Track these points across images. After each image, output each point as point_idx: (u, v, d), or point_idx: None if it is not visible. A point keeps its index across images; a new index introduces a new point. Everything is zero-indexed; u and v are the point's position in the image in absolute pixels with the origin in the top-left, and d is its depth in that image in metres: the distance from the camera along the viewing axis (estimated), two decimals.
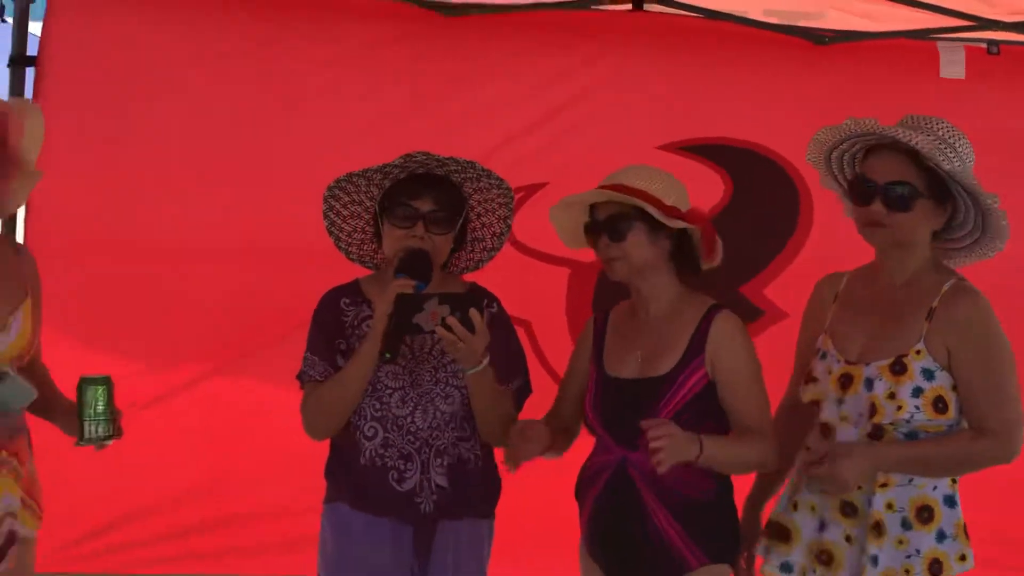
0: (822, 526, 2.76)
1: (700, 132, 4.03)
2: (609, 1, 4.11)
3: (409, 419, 2.87)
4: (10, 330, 2.74)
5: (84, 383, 2.74)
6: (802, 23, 4.21)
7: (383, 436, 2.86)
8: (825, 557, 2.73)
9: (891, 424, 2.67)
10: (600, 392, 2.89)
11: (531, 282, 3.83)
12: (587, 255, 3.84)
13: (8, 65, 3.72)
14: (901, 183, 2.67)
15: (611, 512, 2.82)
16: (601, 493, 2.85)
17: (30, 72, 3.71)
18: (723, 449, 2.78)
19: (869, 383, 2.70)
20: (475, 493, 2.94)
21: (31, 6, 3.77)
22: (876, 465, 2.67)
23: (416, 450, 2.87)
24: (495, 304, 2.98)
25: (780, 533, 2.82)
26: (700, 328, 2.84)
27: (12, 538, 2.77)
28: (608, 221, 2.84)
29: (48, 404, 2.87)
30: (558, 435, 2.97)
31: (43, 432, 3.63)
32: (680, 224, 2.81)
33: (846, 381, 2.74)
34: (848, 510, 2.72)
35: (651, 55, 4.05)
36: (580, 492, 2.94)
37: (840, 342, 2.79)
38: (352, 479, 2.89)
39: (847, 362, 2.75)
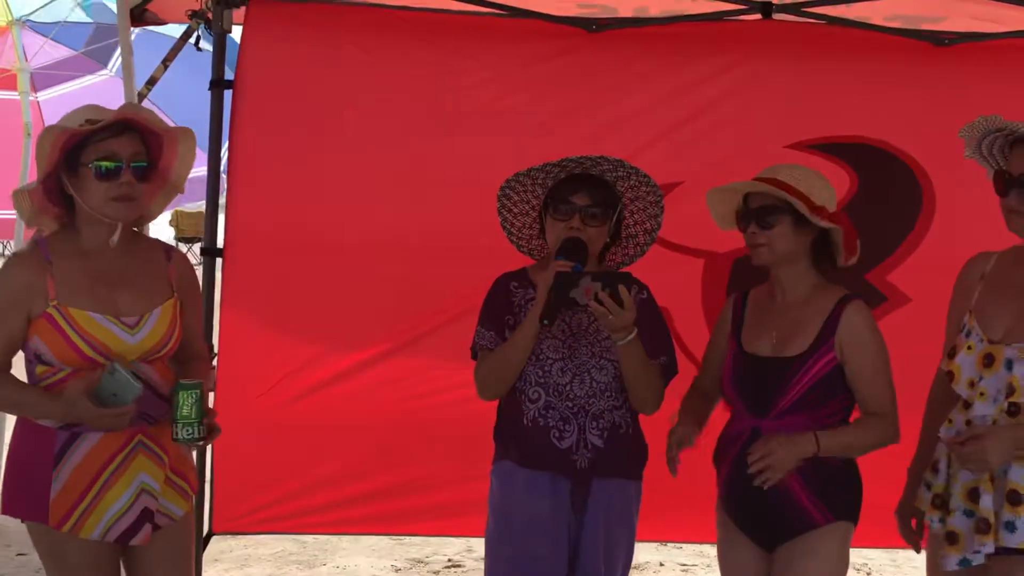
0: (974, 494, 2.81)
1: (826, 131, 4.14)
2: (740, 12, 4.20)
3: (568, 387, 3.13)
4: (142, 328, 2.85)
5: (177, 388, 2.81)
6: (923, 27, 4.28)
7: (545, 400, 3.13)
8: (983, 525, 2.76)
9: None
10: (737, 366, 3.12)
11: (669, 272, 3.93)
12: (721, 246, 4.14)
13: (209, 88, 4.10)
14: None
15: (745, 475, 3.00)
16: (736, 458, 3.06)
17: (227, 94, 4.08)
18: (842, 439, 2.99)
19: (1009, 364, 2.77)
20: (626, 455, 3.18)
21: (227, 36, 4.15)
22: (1018, 444, 2.75)
23: (574, 414, 3.12)
24: (645, 291, 3.22)
25: (942, 504, 2.92)
26: (832, 316, 3.03)
27: (148, 515, 2.86)
28: (759, 210, 3.06)
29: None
30: (702, 403, 3.22)
31: (246, 411, 3.97)
32: (824, 223, 3.02)
33: (988, 360, 2.82)
34: (995, 481, 2.79)
35: (779, 61, 4.19)
36: (718, 457, 3.17)
37: (985, 321, 2.87)
38: (517, 437, 3.16)
39: (990, 341, 2.82)
